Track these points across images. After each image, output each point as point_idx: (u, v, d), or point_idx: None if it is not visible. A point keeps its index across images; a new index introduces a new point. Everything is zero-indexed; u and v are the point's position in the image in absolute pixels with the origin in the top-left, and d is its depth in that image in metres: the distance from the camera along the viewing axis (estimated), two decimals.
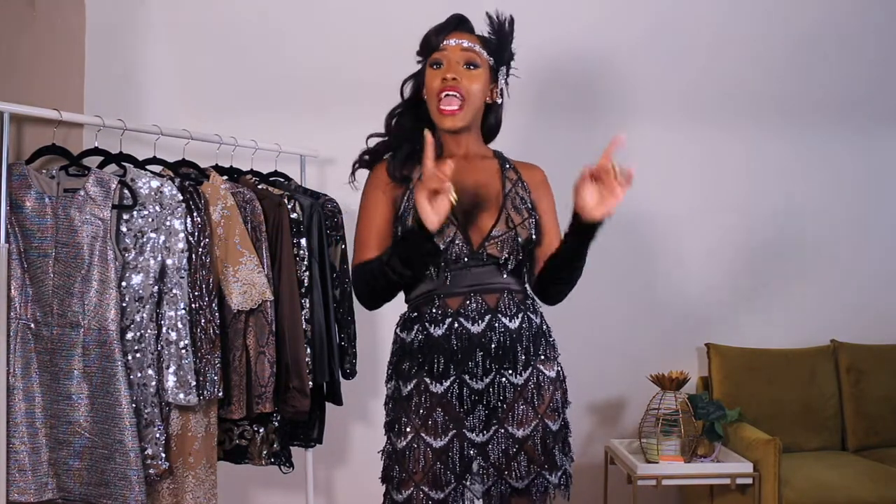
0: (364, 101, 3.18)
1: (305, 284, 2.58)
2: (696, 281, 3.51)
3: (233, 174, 2.66)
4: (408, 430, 1.76)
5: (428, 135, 1.65)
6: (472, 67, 1.82)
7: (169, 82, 3.08)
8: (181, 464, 2.26)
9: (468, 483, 1.75)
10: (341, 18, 3.25)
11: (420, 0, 3.15)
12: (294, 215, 2.57)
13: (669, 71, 3.46)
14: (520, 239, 1.80)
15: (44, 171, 2.20)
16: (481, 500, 1.77)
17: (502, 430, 1.76)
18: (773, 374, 3.37)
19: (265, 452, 2.57)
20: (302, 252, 2.58)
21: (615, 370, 3.45)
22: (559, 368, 1.87)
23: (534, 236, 1.83)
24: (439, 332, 1.76)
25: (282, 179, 2.84)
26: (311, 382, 2.54)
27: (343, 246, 2.77)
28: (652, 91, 3.45)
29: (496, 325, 1.76)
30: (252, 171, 2.75)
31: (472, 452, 1.75)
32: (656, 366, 3.22)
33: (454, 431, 1.75)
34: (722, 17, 3.49)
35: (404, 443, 1.76)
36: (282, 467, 2.65)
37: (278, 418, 2.56)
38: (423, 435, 1.75)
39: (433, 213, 1.62)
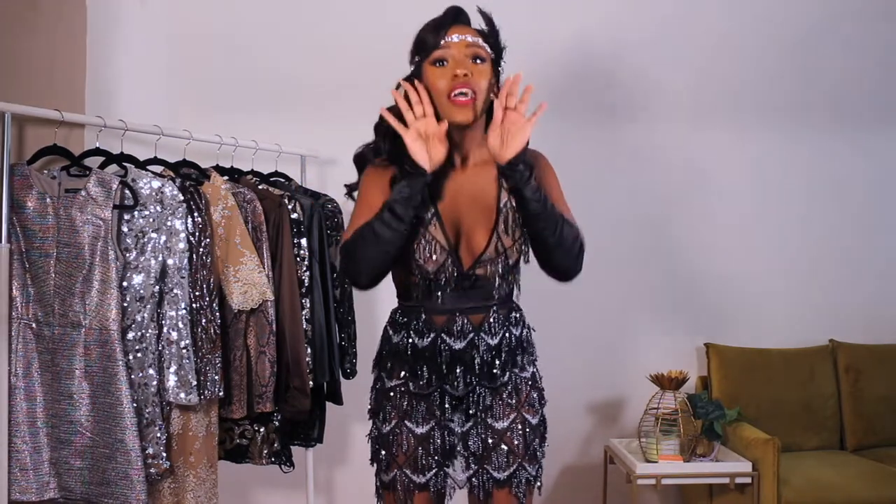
0: (364, 101, 3.18)
1: (306, 284, 2.59)
2: (695, 281, 3.52)
3: (233, 174, 2.67)
4: (391, 415, 1.81)
5: (407, 86, 1.70)
6: (478, 62, 1.73)
7: (170, 83, 3.09)
8: (182, 463, 2.27)
9: (450, 469, 1.80)
10: (342, 19, 3.25)
11: (421, 1, 3.17)
12: (294, 215, 2.58)
13: (672, 71, 3.46)
14: (510, 261, 1.78)
15: (45, 171, 2.21)
16: (465, 487, 1.82)
17: (482, 423, 1.81)
18: (772, 373, 3.37)
19: (266, 452, 2.58)
20: (302, 252, 2.58)
21: (615, 370, 3.46)
22: (534, 370, 1.89)
23: (523, 258, 1.81)
24: (423, 343, 1.79)
25: (282, 180, 2.84)
26: (311, 382, 2.55)
27: None
28: (653, 92, 3.46)
29: (478, 342, 1.78)
30: (253, 172, 2.75)
31: (453, 440, 1.80)
32: (656, 366, 3.23)
33: (435, 421, 1.80)
34: (723, 18, 3.49)
35: (388, 427, 1.81)
36: (282, 467, 2.66)
37: (279, 418, 2.57)
38: (406, 422, 1.80)
39: (427, 157, 1.66)
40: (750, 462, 2.94)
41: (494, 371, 1.79)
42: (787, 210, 3.59)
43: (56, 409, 2.13)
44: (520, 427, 1.81)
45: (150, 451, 2.17)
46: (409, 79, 1.78)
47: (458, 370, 1.77)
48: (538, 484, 1.84)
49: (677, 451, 3.00)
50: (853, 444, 3.37)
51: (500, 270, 1.77)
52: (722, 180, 3.54)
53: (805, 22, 3.52)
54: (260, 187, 2.61)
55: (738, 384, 3.33)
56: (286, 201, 2.56)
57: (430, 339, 1.78)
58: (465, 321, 1.77)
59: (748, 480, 2.93)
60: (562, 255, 1.73)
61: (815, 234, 3.60)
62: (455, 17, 1.77)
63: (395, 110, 1.74)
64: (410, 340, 1.79)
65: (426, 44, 1.75)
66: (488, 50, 1.76)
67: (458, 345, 1.77)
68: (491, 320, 1.79)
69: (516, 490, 1.80)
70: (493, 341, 1.79)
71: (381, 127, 1.80)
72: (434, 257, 1.74)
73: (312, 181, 3.11)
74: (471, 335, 1.77)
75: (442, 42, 1.73)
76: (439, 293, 1.76)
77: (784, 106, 3.56)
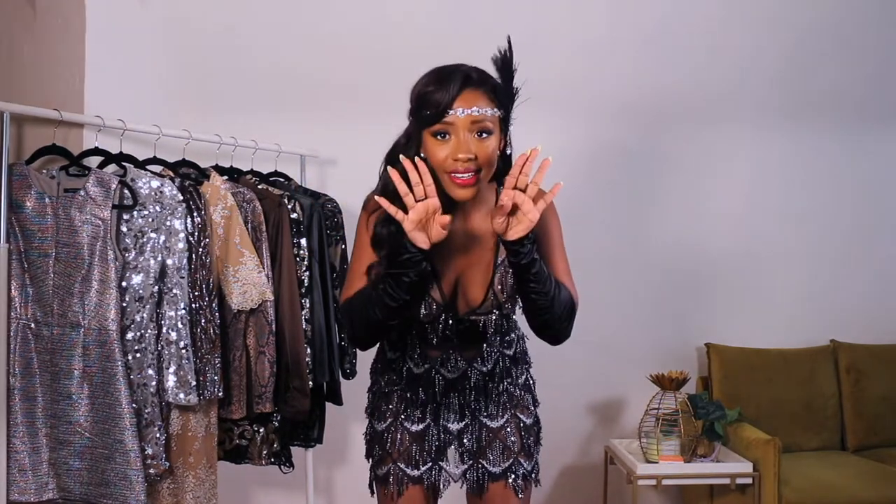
0: (364, 102, 3.20)
1: (305, 284, 2.58)
2: (695, 281, 3.51)
3: (233, 174, 2.67)
4: (388, 415, 1.83)
5: (408, 164, 1.51)
6: (484, 135, 1.58)
7: (169, 82, 3.08)
8: (181, 464, 2.26)
9: (444, 465, 1.81)
10: (342, 18, 3.24)
11: (420, 1, 3.16)
12: (294, 215, 2.57)
13: (667, 71, 3.46)
14: (504, 312, 1.79)
15: (44, 171, 2.20)
16: (459, 481, 1.83)
17: (476, 422, 1.82)
18: (772, 374, 3.37)
19: (265, 452, 2.57)
20: (302, 252, 2.58)
21: (615, 370, 3.45)
22: (527, 376, 1.90)
23: (521, 306, 1.74)
24: (418, 371, 1.81)
25: (282, 179, 2.84)
26: (311, 382, 2.55)
27: (343, 246, 2.77)
28: (653, 92, 3.45)
29: (471, 372, 1.81)
30: (252, 172, 2.75)
31: (447, 438, 1.81)
32: (656, 366, 3.23)
33: (431, 417, 1.82)
34: (719, 18, 3.48)
35: (384, 426, 1.83)
36: (282, 467, 2.65)
37: (278, 418, 2.57)
38: (401, 420, 1.82)
39: (425, 238, 1.54)
40: (751, 462, 2.93)
41: (488, 390, 1.82)
42: (788, 210, 3.58)
43: (55, 409, 2.13)
44: (513, 426, 1.83)
45: (150, 451, 2.16)
46: (406, 135, 1.66)
47: (452, 395, 1.81)
48: (536, 479, 1.84)
49: (678, 452, 3.00)
50: (854, 444, 3.36)
51: (494, 322, 1.79)
52: (722, 180, 3.53)
53: (804, 22, 3.52)
54: (259, 187, 2.61)
55: (738, 384, 3.33)
56: (286, 201, 2.56)
57: (424, 369, 1.81)
58: (458, 357, 1.80)
59: (749, 481, 2.93)
60: (552, 324, 1.67)
61: (815, 234, 3.59)
62: (462, 83, 1.58)
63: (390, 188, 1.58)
64: (406, 366, 1.82)
65: (427, 110, 1.58)
66: (497, 114, 1.61)
67: (452, 375, 1.80)
68: (484, 355, 1.81)
69: (513, 483, 1.80)
70: (486, 368, 1.81)
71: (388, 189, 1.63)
72: (429, 311, 1.73)
73: (312, 181, 3.11)
74: (464, 367, 1.80)
75: (447, 116, 1.56)
76: (433, 337, 1.78)
77: (783, 105, 3.55)
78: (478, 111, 1.57)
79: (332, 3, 3.21)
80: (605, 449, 3.28)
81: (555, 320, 1.66)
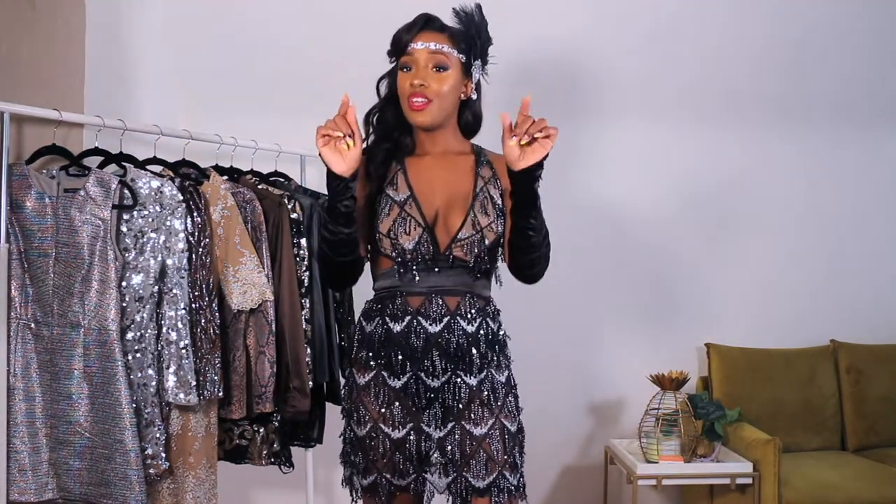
0: (364, 102, 3.19)
1: (305, 284, 2.58)
2: (695, 280, 3.52)
3: (233, 174, 2.66)
4: (367, 419, 1.81)
5: (345, 96, 1.73)
6: (440, 70, 1.80)
7: (169, 82, 3.09)
8: (181, 464, 2.26)
9: (428, 475, 1.78)
10: (341, 18, 3.25)
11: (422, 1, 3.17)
12: (294, 215, 2.58)
13: (668, 70, 3.46)
14: (486, 241, 1.80)
15: (44, 171, 2.20)
16: (445, 492, 1.80)
17: (459, 428, 1.78)
18: (773, 374, 3.37)
19: (265, 452, 2.57)
20: (302, 252, 2.58)
21: (615, 370, 3.45)
22: (509, 374, 1.88)
23: (502, 238, 1.84)
24: (398, 328, 1.79)
25: (282, 179, 2.84)
26: (311, 382, 2.55)
27: None
28: (650, 91, 3.46)
29: (454, 327, 1.78)
30: (252, 171, 2.74)
31: (430, 445, 1.79)
32: (656, 366, 3.23)
33: (412, 424, 1.79)
34: (719, 17, 3.49)
35: (364, 431, 1.81)
36: (282, 467, 2.65)
37: (278, 418, 2.57)
38: (381, 425, 1.79)
39: (340, 161, 1.68)
40: (751, 462, 2.94)
41: (472, 359, 1.78)
42: (788, 210, 3.58)
43: (55, 409, 2.13)
44: (498, 433, 1.79)
45: (150, 451, 2.16)
46: (389, 75, 1.92)
47: (433, 354, 1.77)
48: (523, 494, 1.81)
49: (678, 452, 3.00)
50: (854, 444, 3.36)
51: (476, 250, 1.79)
52: (721, 181, 3.53)
53: (802, 20, 3.52)
54: (259, 187, 2.61)
55: (738, 384, 3.33)
56: (286, 201, 2.56)
57: (405, 322, 1.78)
58: (441, 303, 1.78)
59: (749, 481, 2.93)
60: (537, 261, 1.82)
61: (815, 234, 3.59)
62: (424, 24, 1.84)
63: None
64: (385, 327, 1.80)
65: (396, 48, 1.86)
66: (455, 55, 1.82)
67: (434, 328, 1.78)
68: (467, 304, 1.80)
69: (497, 499, 1.77)
70: (471, 328, 1.79)
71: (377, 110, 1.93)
72: (411, 233, 1.77)
73: (312, 181, 3.10)
74: (447, 319, 1.78)
75: (408, 48, 1.82)
76: (415, 272, 1.78)
77: (782, 105, 3.55)
78: (434, 46, 1.80)
79: (332, 4, 3.22)
80: (605, 449, 3.28)
81: (540, 258, 1.81)
